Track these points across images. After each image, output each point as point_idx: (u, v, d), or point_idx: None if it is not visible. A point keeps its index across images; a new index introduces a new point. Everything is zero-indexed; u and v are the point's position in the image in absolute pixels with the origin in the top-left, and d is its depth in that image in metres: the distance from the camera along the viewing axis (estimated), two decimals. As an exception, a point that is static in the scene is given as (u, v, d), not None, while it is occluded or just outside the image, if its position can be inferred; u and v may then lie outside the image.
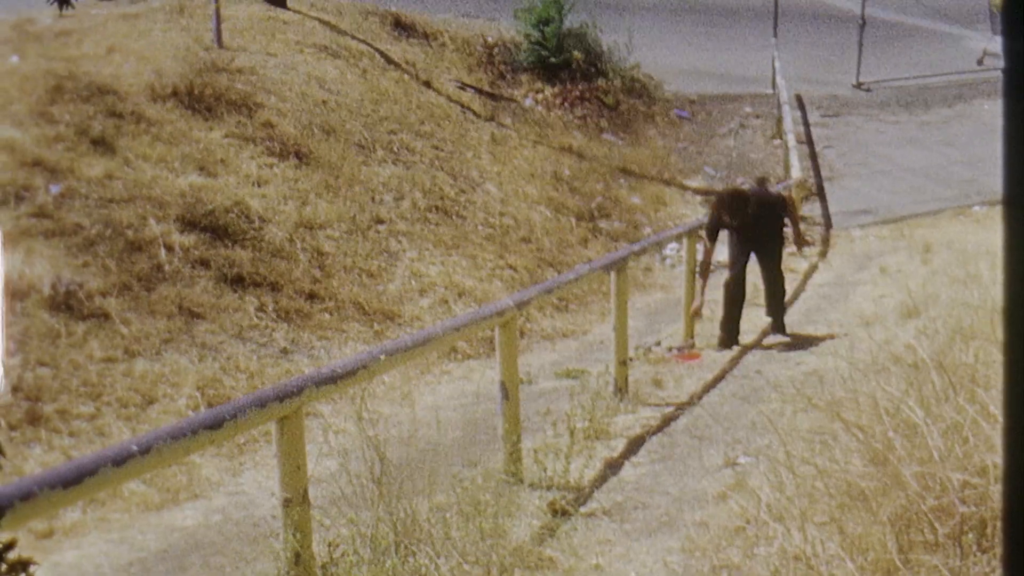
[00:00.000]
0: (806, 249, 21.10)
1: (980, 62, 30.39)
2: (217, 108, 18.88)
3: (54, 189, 14.90)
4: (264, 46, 22.18)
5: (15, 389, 11.73)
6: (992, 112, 27.75)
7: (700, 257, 14.44)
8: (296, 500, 6.31)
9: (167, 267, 14.49)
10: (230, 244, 15.50)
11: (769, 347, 13.74)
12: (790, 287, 17.41)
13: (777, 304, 14.48)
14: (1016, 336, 1.69)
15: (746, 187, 16.09)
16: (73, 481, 5.21)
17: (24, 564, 2.48)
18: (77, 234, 14.26)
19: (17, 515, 4.95)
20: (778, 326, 14.40)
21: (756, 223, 13.93)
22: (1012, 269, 1.67)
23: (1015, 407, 1.71)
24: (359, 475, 6.75)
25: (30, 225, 14.08)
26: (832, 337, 13.31)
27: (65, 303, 13.13)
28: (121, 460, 5.46)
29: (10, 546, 2.45)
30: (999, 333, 8.07)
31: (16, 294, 12.89)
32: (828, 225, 22.53)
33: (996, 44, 30.40)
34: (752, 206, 13.90)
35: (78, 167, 15.58)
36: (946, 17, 33.67)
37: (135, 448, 5.57)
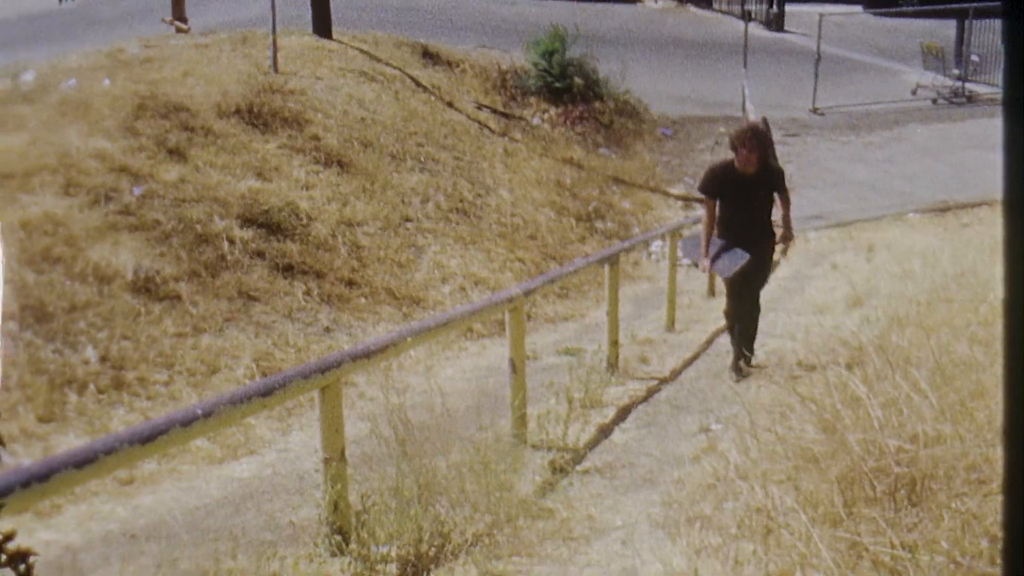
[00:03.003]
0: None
1: (914, 92, 30.33)
2: (272, 123, 18.86)
3: (137, 191, 14.90)
4: (313, 71, 22.15)
5: (103, 359, 11.74)
6: (923, 135, 27.70)
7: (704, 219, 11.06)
8: (335, 457, 6.31)
9: (229, 257, 14.49)
10: (282, 238, 15.50)
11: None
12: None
13: (748, 339, 10.88)
14: (1016, 339, 1.66)
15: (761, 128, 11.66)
16: (149, 438, 5.23)
17: (24, 555, 2.35)
18: (155, 229, 14.27)
19: (103, 466, 4.98)
20: (743, 358, 10.70)
21: (753, 197, 10.62)
22: (1012, 271, 1.64)
23: (1015, 409, 1.67)
24: (387, 436, 6.75)
25: (116, 221, 14.09)
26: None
27: (144, 287, 13.14)
28: (188, 421, 5.47)
29: (9, 537, 2.32)
30: (928, 321, 8.04)
31: (104, 279, 12.91)
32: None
33: (927, 78, 30.37)
34: (761, 158, 10.66)
35: (157, 172, 15.58)
36: (886, 55, 33.61)
37: (200, 411, 5.58)
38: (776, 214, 10.80)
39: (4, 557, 2.33)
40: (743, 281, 10.76)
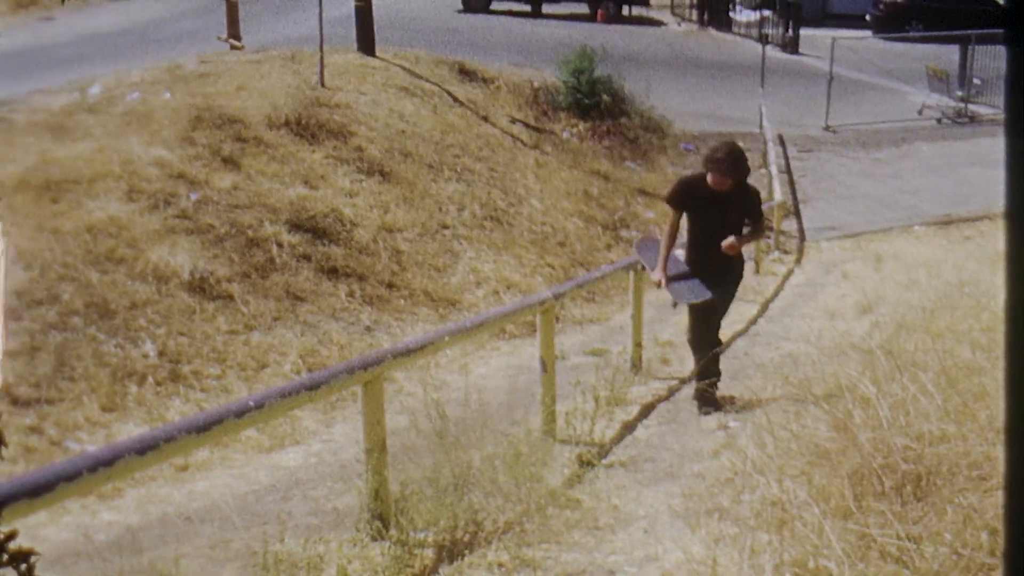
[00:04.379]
0: (785, 256, 21.00)
1: (920, 112, 30.29)
2: (319, 135, 18.94)
3: (193, 196, 15.00)
4: (357, 86, 22.22)
5: (161, 353, 11.81)
6: (929, 153, 27.67)
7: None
8: (376, 448, 6.32)
9: (278, 260, 14.55)
10: (327, 243, 15.55)
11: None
12: (771, 287, 17.31)
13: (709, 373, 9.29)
14: (1017, 344, 1.66)
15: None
16: (205, 428, 5.26)
17: (25, 555, 2.28)
18: (210, 232, 14.35)
19: (163, 452, 5.01)
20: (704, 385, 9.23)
21: (724, 219, 9.05)
22: (1013, 281, 1.65)
23: (1015, 414, 1.68)
24: (425, 430, 6.76)
25: (174, 224, 14.18)
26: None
27: (199, 286, 13.22)
28: (241, 413, 5.50)
29: (11, 537, 2.27)
30: (933, 327, 8.01)
31: (162, 279, 12.99)
32: (802, 238, 22.44)
33: (932, 99, 30.32)
34: (736, 182, 9.02)
35: (212, 180, 15.67)
36: (894, 77, 33.50)
37: (252, 403, 5.61)
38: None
39: (6, 556, 2.29)
40: (706, 313, 9.34)
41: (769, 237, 21.03)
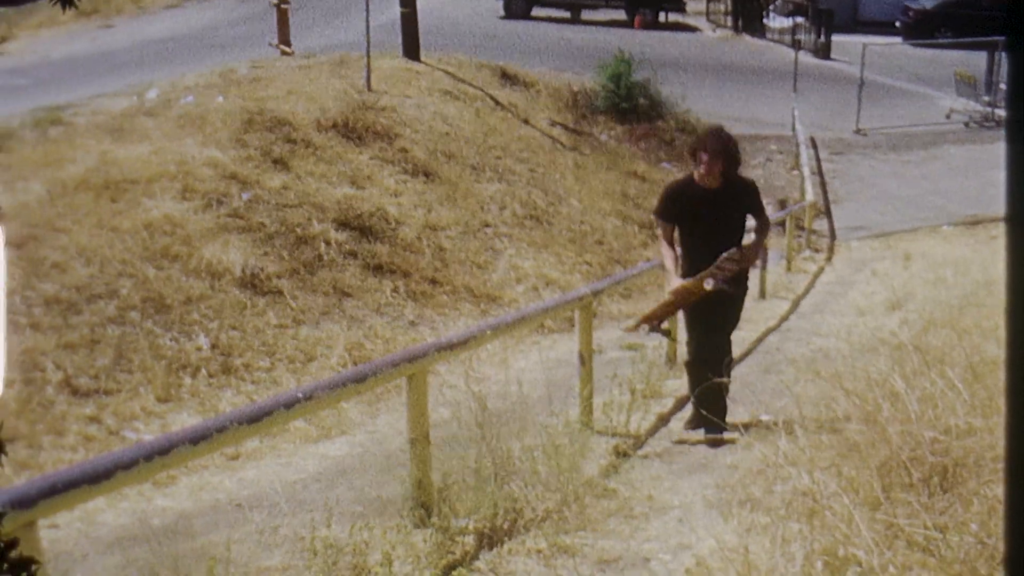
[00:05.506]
0: (816, 255, 20.89)
1: (948, 116, 30.07)
2: (365, 137, 19.00)
3: (245, 196, 15.08)
4: (402, 90, 22.26)
5: (214, 346, 11.89)
6: (956, 155, 27.48)
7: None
8: (419, 439, 6.34)
9: (325, 257, 14.62)
10: (373, 240, 15.60)
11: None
12: (802, 284, 17.22)
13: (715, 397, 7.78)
14: (1017, 342, 1.65)
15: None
16: (256, 418, 5.30)
17: (26, 563, 2.20)
18: (260, 230, 14.43)
19: (215, 442, 5.07)
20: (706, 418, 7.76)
21: (719, 220, 7.79)
22: (1014, 282, 1.64)
23: (1016, 416, 1.66)
24: (466, 421, 6.77)
25: (227, 222, 14.27)
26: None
27: (251, 282, 13.30)
28: (290, 404, 5.53)
29: (12, 544, 2.19)
30: (960, 323, 7.94)
31: (215, 275, 13.08)
32: (833, 237, 22.33)
33: (960, 104, 30.11)
34: (725, 168, 7.86)
35: (262, 180, 15.75)
36: (923, 82, 33.26)
37: (300, 395, 5.64)
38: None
39: (6, 565, 2.24)
40: (712, 328, 8.06)
41: (799, 235, 20.92)
